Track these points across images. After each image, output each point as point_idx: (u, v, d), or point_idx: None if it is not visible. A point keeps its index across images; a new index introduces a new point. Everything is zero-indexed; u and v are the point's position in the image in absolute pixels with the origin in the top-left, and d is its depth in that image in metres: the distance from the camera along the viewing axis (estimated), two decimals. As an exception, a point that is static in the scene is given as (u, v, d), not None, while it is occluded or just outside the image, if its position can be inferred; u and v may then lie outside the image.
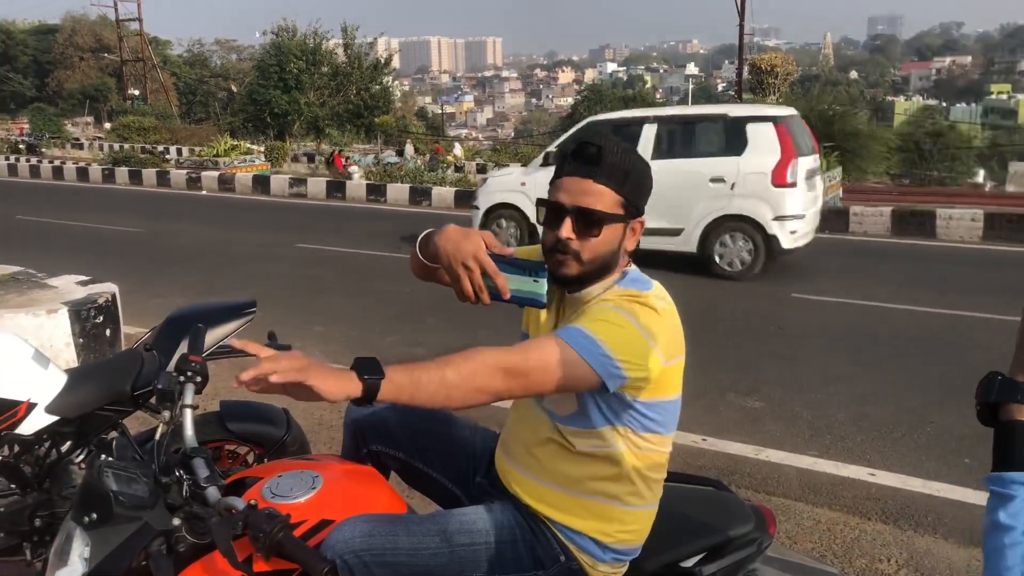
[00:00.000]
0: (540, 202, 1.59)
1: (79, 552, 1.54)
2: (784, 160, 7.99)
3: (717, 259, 8.40)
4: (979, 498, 3.56)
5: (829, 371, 5.37)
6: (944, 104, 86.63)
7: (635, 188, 1.57)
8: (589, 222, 1.53)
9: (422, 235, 1.66)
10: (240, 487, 1.71)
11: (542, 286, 1.51)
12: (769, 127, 8.15)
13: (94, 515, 1.51)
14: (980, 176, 33.10)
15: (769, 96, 16.29)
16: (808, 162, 8.48)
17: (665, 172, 6.91)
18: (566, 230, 1.53)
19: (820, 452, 4.08)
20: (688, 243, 8.47)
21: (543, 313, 1.68)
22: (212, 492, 1.54)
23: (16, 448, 2.61)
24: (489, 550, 1.55)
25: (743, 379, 5.20)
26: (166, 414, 1.68)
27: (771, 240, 8.13)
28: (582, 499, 1.59)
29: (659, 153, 8.43)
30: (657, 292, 1.60)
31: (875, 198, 16.12)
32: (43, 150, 30.70)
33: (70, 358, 4.52)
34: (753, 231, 8.18)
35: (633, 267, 1.66)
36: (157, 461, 1.62)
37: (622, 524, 1.59)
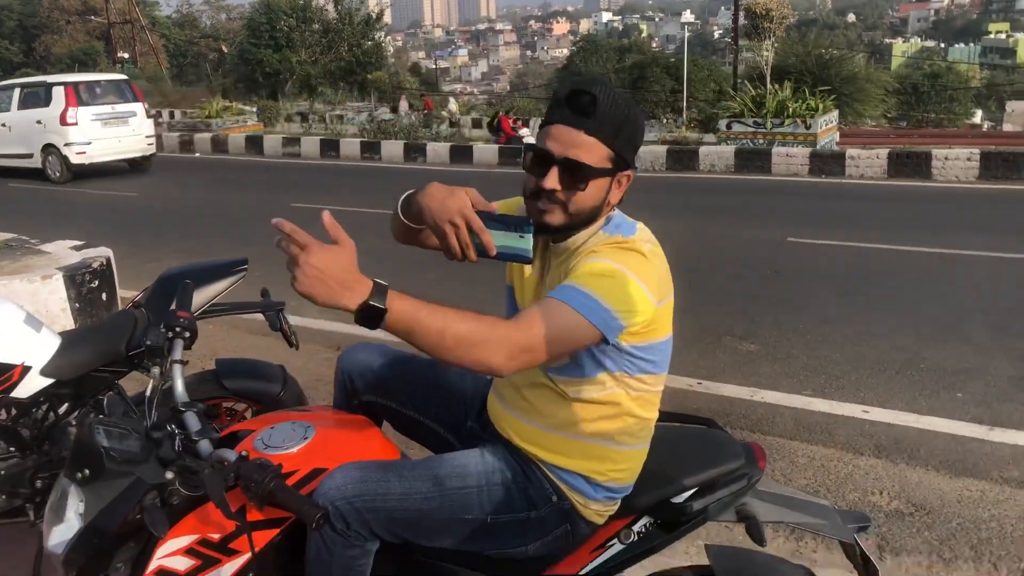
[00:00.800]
0: (528, 147, 1.55)
1: (75, 508, 1.56)
2: (66, 109, 13.08)
3: (48, 170, 13.47)
4: (970, 431, 3.62)
5: (825, 313, 5.39)
6: (942, 45, 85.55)
7: (627, 141, 1.54)
8: (576, 175, 1.50)
9: (403, 197, 1.62)
10: (233, 440, 1.73)
11: (528, 242, 1.49)
12: (61, 89, 13.27)
13: (86, 471, 1.54)
14: (978, 116, 32.85)
15: (765, 41, 15.98)
16: (102, 110, 13.54)
17: (20, 118, 13.54)
18: (551, 180, 1.50)
19: (815, 392, 4.12)
20: (36, 162, 13.57)
21: (527, 268, 1.67)
22: (204, 445, 1.56)
23: (13, 411, 2.63)
24: (481, 493, 1.57)
25: (739, 323, 5.22)
26: (156, 370, 1.69)
27: (66, 158, 13.13)
28: (575, 440, 1.60)
29: (21, 106, 13.68)
30: (642, 235, 1.59)
31: (872, 141, 16.04)
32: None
33: (66, 323, 4.53)
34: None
35: (617, 211, 1.65)
36: (149, 417, 1.64)
37: (614, 463, 1.61)
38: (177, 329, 1.70)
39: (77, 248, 5.20)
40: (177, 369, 1.69)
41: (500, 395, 1.73)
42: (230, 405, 2.91)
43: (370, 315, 1.33)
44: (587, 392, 1.58)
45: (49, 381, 2.58)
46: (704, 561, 1.72)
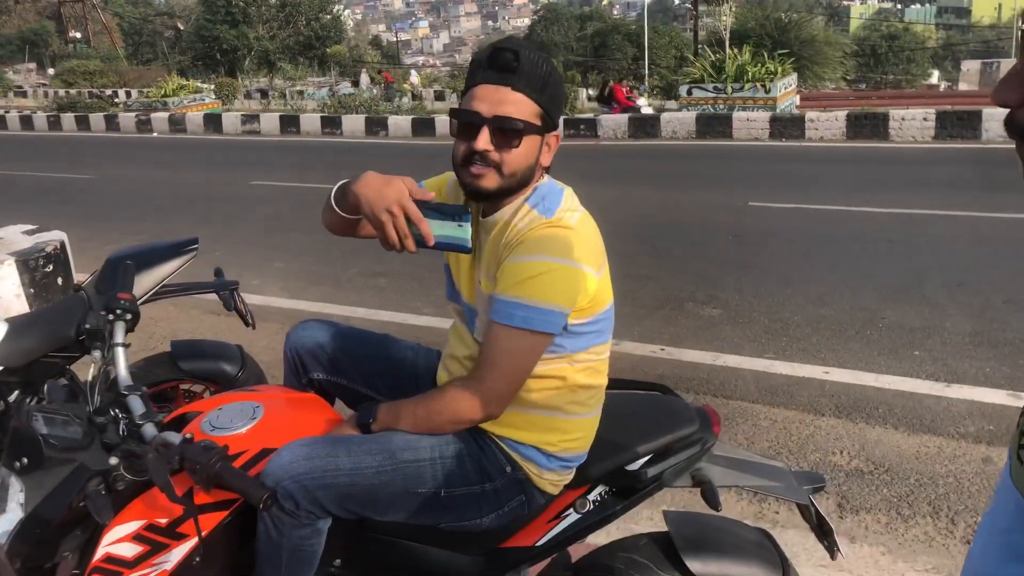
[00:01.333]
0: (453, 112, 1.52)
1: (15, 498, 1.52)
2: None
3: None
4: (928, 388, 3.68)
5: (786, 275, 5.43)
6: (899, 6, 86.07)
7: (552, 98, 1.51)
8: (508, 132, 1.47)
9: (336, 187, 1.58)
10: (181, 423, 1.70)
11: (466, 231, 1.47)
12: None
13: (24, 460, 1.49)
14: (935, 77, 33.24)
15: (723, 5, 16.00)
16: None
17: None
18: (483, 141, 1.46)
19: (776, 354, 4.15)
20: None
21: None
22: (148, 429, 1.52)
23: (-38, 401, 2.56)
24: (435, 465, 1.55)
25: (701, 288, 5.25)
26: (98, 354, 1.65)
27: None
28: (524, 413, 1.58)
29: None
30: (567, 204, 1.56)
31: (831, 104, 16.15)
32: (-18, 100, 29.50)
33: (21, 309, 4.42)
34: None
35: (546, 178, 1.61)
36: (91, 401, 1.59)
37: (564, 433, 1.60)
38: (118, 311, 1.66)
39: (30, 232, 5.06)
40: (120, 352, 1.64)
41: (449, 371, 1.70)
42: (187, 387, 2.86)
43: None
44: (537, 368, 1.55)
45: (-3, 369, 2.51)
46: (664, 528, 1.73)
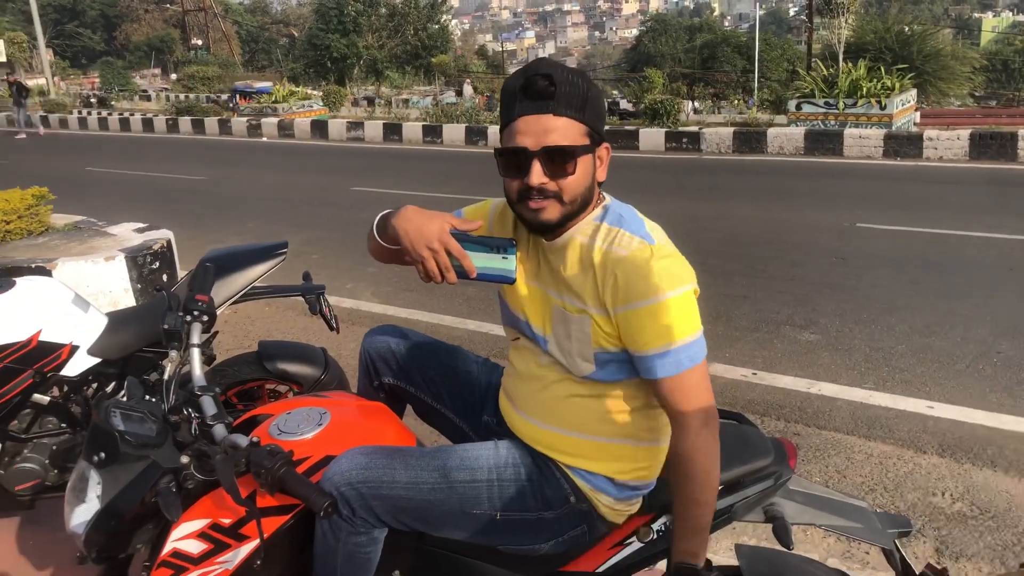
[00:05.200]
0: (499, 152, 1.45)
1: (94, 490, 1.57)
2: None
3: None
4: (1045, 431, 3.40)
5: (891, 302, 5.15)
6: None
7: (595, 113, 1.44)
8: (561, 160, 1.40)
9: (378, 217, 1.57)
10: (251, 424, 1.72)
11: (511, 262, 1.44)
12: None
13: (102, 454, 1.54)
14: (1073, 94, 31.08)
15: (839, 17, 15.41)
16: None
17: None
18: (536, 176, 1.40)
19: (876, 385, 3.93)
20: None
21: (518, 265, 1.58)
22: (219, 430, 1.54)
23: (64, 389, 2.70)
24: (491, 488, 1.51)
25: (800, 311, 5.04)
26: (174, 354, 1.68)
27: None
28: (595, 440, 1.53)
29: None
30: (649, 223, 1.49)
31: (956, 122, 15.30)
32: (113, 103, 31.43)
33: (130, 303, 4.66)
34: None
35: (610, 199, 1.54)
36: (166, 400, 1.63)
37: (636, 462, 1.54)
38: (195, 313, 1.69)
39: (140, 230, 5.34)
40: (195, 353, 1.68)
41: (512, 398, 1.65)
42: (272, 387, 2.93)
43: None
44: (610, 393, 1.51)
45: (96, 360, 2.63)
46: (734, 561, 1.64)
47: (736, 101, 22.98)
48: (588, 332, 1.46)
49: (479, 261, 1.44)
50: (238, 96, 25.12)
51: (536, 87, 1.39)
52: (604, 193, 1.55)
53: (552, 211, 1.44)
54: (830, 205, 8.24)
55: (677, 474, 1.43)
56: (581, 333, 1.46)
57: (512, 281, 1.46)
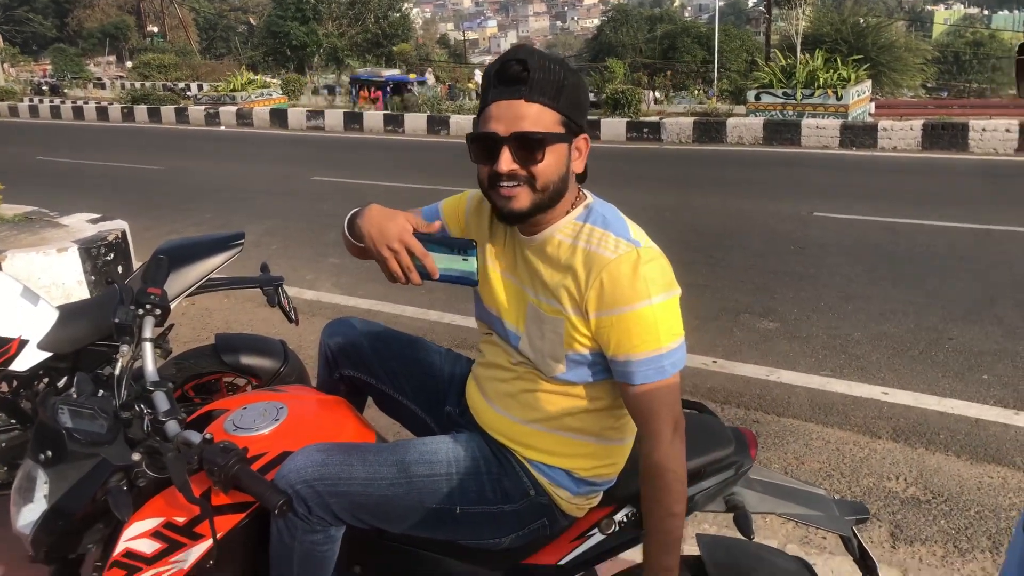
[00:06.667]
0: (470, 138, 1.43)
1: (40, 490, 1.53)
2: None
3: None
4: (995, 415, 3.49)
5: (848, 290, 5.24)
6: (986, 12, 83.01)
7: (572, 102, 1.41)
8: (530, 147, 1.38)
9: (348, 215, 1.55)
10: (207, 420, 1.68)
11: (472, 264, 1.42)
12: None
13: (49, 452, 1.50)
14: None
15: (796, 9, 15.60)
16: None
17: None
18: (505, 162, 1.38)
19: (833, 372, 3.99)
20: None
21: (490, 265, 1.56)
22: (171, 426, 1.50)
23: (14, 384, 2.63)
24: (450, 481, 1.50)
25: (759, 300, 5.10)
26: (125, 348, 1.64)
27: None
28: (559, 436, 1.52)
29: None
30: (633, 226, 1.47)
31: (909, 112, 15.59)
32: (66, 91, 30.67)
33: (83, 295, 4.55)
34: None
35: (592, 198, 1.52)
36: (118, 395, 1.59)
37: (597, 459, 1.54)
38: (147, 306, 1.65)
39: (93, 221, 5.22)
40: (147, 347, 1.63)
41: (481, 387, 1.63)
42: (230, 380, 2.88)
43: None
44: (577, 392, 1.50)
45: (47, 355, 2.56)
46: (696, 551, 1.65)
47: (696, 91, 23.13)
48: (561, 333, 1.44)
49: (441, 262, 1.43)
50: (368, 87, 22.23)
51: (509, 72, 1.37)
52: (586, 192, 1.53)
53: (522, 199, 1.41)
54: (789, 194, 8.35)
55: (653, 486, 1.41)
56: (554, 334, 1.45)
57: (475, 283, 1.45)
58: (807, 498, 1.62)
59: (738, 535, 1.60)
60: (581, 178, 1.51)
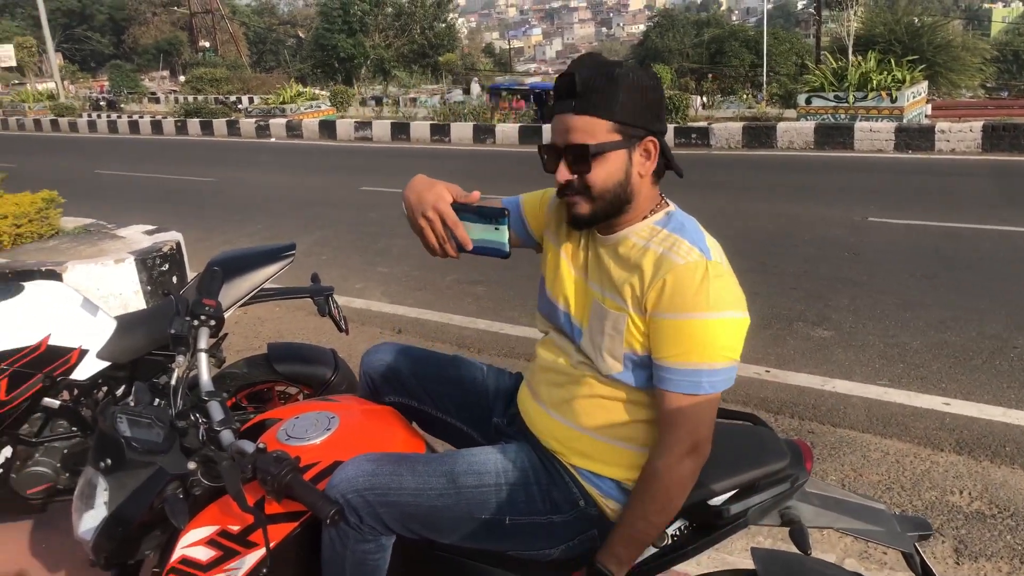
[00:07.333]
0: (540, 149, 1.51)
1: (101, 497, 1.56)
2: None
3: None
4: (1064, 427, 3.35)
5: (905, 297, 5.10)
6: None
7: (633, 107, 1.41)
8: (579, 158, 1.42)
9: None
10: (260, 429, 1.70)
11: (503, 234, 1.44)
12: None
13: (109, 460, 1.53)
14: (1086, 84, 30.78)
15: (848, 10, 15.29)
16: None
17: None
18: (562, 172, 1.45)
19: (891, 382, 3.89)
20: None
21: (563, 260, 1.57)
22: (225, 435, 1.52)
23: (75, 392, 2.69)
24: (499, 492, 1.49)
25: (812, 307, 4.99)
26: (182, 359, 1.67)
27: None
28: (612, 445, 1.51)
29: None
30: (714, 247, 1.46)
31: (967, 113, 15.16)
32: (122, 106, 31.54)
33: (139, 305, 4.66)
34: None
35: (674, 207, 1.53)
36: (174, 405, 1.62)
37: None
38: (202, 317, 1.67)
39: (149, 232, 5.34)
40: (202, 358, 1.66)
41: (535, 391, 1.63)
42: (283, 388, 2.91)
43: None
44: (633, 399, 1.49)
45: (105, 364, 2.63)
46: (751, 565, 1.61)
47: (745, 96, 22.84)
48: (622, 330, 1.45)
49: (475, 233, 1.45)
50: (511, 97, 21.71)
51: (560, 86, 1.44)
52: (668, 200, 1.54)
53: (582, 206, 1.47)
54: (841, 199, 8.18)
55: (642, 487, 1.44)
56: (615, 331, 1.46)
57: (506, 254, 1.46)
58: (866, 513, 1.57)
59: (794, 549, 1.56)
60: (660, 175, 1.52)
